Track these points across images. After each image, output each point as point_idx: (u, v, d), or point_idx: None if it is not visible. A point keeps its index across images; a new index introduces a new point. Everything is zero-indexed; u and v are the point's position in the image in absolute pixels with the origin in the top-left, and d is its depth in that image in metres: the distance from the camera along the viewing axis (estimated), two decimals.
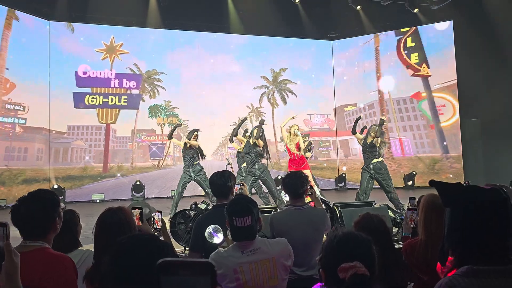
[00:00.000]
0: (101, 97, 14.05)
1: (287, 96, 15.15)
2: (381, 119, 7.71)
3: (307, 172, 7.94)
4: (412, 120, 14.03)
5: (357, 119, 7.92)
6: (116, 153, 13.94)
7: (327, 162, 14.99)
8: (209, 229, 2.62)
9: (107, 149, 14.09)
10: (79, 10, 11.97)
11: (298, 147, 7.93)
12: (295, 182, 3.22)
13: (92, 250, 2.26)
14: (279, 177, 12.62)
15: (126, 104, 14.30)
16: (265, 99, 14.92)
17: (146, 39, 13.39)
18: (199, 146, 8.11)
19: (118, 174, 13.47)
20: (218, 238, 2.60)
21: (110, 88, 14.06)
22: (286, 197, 3.58)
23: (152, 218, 3.22)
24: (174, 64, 13.74)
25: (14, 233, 2.06)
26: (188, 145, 8.02)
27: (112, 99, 14.10)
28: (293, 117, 8.31)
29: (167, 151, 14.62)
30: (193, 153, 8.03)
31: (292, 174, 3.38)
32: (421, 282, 2.47)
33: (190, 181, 8.08)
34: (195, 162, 8.01)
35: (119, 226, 2.16)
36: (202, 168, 8.09)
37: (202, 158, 8.24)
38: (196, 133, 8.19)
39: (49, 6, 11.63)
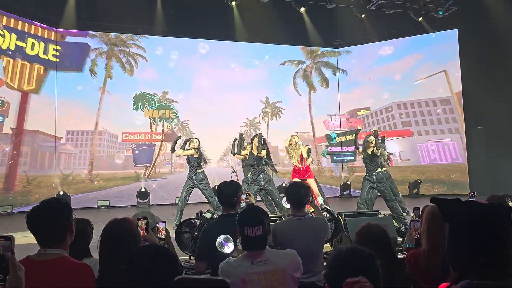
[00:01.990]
0: (14, 36, 8.79)
1: (336, 72, 14.26)
2: (374, 131, 7.67)
3: (311, 181, 7.95)
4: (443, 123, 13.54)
5: (357, 132, 7.87)
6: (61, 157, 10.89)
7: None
8: (220, 238, 2.65)
9: (18, 148, 9.61)
10: (86, 18, 12.07)
11: (301, 157, 7.92)
12: (298, 193, 3.29)
13: (98, 259, 2.30)
14: (284, 184, 12.68)
15: (57, 60, 9.64)
16: (300, 84, 14.11)
17: (153, 47, 13.17)
18: (200, 152, 8.10)
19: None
20: (229, 248, 2.63)
21: (32, 26, 8.96)
22: (287, 205, 3.63)
23: (156, 228, 3.24)
24: (181, 72, 13.49)
25: (25, 239, 2.10)
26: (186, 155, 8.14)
27: (33, 44, 8.87)
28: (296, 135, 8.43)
29: (157, 156, 12.04)
30: (194, 161, 8.06)
31: (295, 184, 3.46)
32: None
33: (193, 188, 8.10)
34: (199, 170, 8.03)
35: (125, 237, 2.21)
36: (205, 177, 8.10)
37: (205, 163, 8.31)
38: (189, 142, 8.22)
39: (57, 15, 11.74)
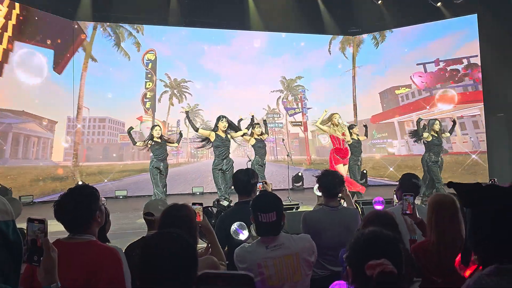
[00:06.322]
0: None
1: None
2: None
3: (340, 166, 7.87)
4: None
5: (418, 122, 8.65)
6: None
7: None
8: (234, 226, 2.67)
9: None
10: (101, 9, 12.17)
11: (343, 136, 7.90)
12: (330, 182, 3.22)
13: (119, 246, 2.34)
14: (299, 173, 12.64)
15: None
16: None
17: (169, 37, 13.17)
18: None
19: None
20: (243, 235, 2.66)
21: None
22: (319, 193, 3.59)
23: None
24: (200, 61, 13.42)
25: (56, 227, 2.14)
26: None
27: None
28: (326, 111, 8.43)
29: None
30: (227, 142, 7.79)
31: (328, 173, 3.34)
32: (432, 284, 2.39)
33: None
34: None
35: (182, 221, 2.25)
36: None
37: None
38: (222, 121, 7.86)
39: (72, 6, 11.87)
